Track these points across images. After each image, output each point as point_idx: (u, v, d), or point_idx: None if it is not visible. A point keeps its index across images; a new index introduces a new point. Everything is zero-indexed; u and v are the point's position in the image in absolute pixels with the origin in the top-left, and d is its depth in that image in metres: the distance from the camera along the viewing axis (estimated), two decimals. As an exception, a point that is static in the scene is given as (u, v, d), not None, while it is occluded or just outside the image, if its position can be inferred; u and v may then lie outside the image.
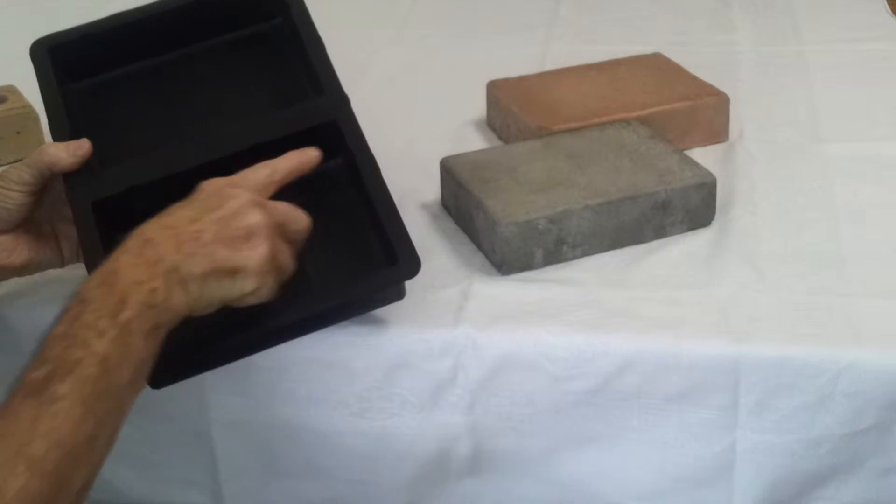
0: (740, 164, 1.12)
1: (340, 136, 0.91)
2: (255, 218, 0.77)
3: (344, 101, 0.93)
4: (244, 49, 1.01)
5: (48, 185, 0.92)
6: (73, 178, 0.90)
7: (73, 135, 0.92)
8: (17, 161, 1.17)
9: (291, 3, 0.99)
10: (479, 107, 1.23)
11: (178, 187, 0.85)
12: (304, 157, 0.86)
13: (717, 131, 1.17)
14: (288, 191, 0.90)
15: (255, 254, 0.76)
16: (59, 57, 0.98)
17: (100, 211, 0.88)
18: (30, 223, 0.92)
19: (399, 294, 0.87)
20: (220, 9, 1.00)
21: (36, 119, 1.18)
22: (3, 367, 0.97)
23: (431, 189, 1.07)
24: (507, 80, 1.21)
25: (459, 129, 1.23)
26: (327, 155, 0.91)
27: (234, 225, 0.77)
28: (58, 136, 0.93)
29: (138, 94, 1.00)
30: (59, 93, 0.96)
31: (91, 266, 0.83)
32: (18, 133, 1.18)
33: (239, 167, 0.87)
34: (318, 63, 0.95)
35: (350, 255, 0.89)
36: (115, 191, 0.89)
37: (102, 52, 0.99)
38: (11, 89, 1.21)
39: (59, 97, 0.96)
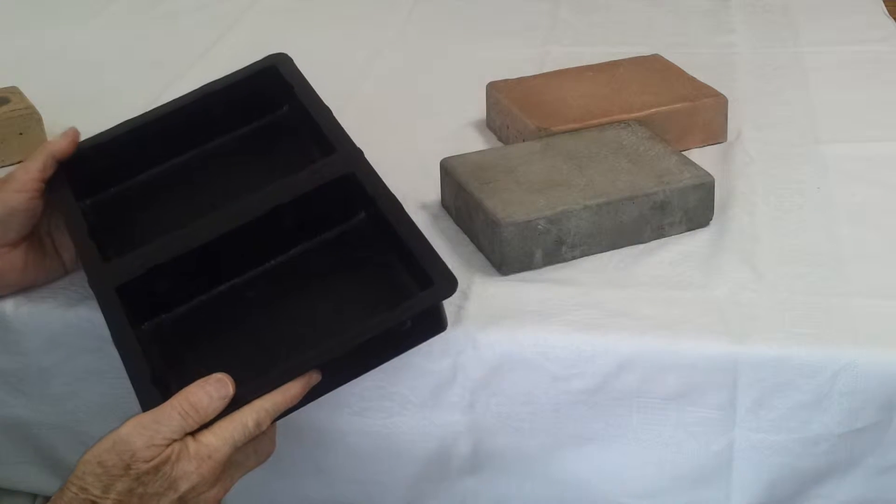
0: (738, 165, 1.12)
1: (360, 187, 0.89)
2: (210, 500, 0.77)
3: (358, 153, 0.91)
4: (256, 141, 1.00)
5: (48, 191, 0.93)
6: (92, 264, 0.89)
7: (100, 248, 0.90)
8: (20, 162, 1.18)
9: (295, 84, 0.97)
10: (478, 108, 1.24)
11: (201, 261, 0.86)
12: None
13: (715, 132, 1.17)
14: (317, 251, 0.90)
15: None
16: (73, 170, 0.95)
17: (123, 295, 0.86)
18: (34, 239, 0.94)
19: (441, 324, 0.85)
20: (227, 104, 0.99)
21: (39, 120, 1.18)
22: (4, 367, 0.98)
23: (431, 189, 1.08)
24: (506, 82, 1.21)
25: (459, 129, 1.23)
26: (350, 212, 0.91)
27: None
28: (84, 252, 0.90)
29: (155, 199, 0.98)
30: (78, 208, 0.94)
31: (123, 352, 0.82)
32: (21, 134, 1.18)
33: (260, 234, 0.87)
34: (326, 128, 0.93)
35: (388, 305, 0.84)
36: (138, 273, 0.87)
37: (113, 161, 0.98)
38: (14, 90, 1.21)
39: (79, 213, 0.94)
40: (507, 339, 0.89)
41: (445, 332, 0.88)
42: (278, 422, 0.82)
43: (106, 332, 0.84)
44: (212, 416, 0.76)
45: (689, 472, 0.91)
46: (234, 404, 0.77)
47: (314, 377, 0.80)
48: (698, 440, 0.90)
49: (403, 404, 0.91)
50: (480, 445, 0.92)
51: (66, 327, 0.94)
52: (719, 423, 0.89)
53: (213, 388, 0.76)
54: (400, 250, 0.86)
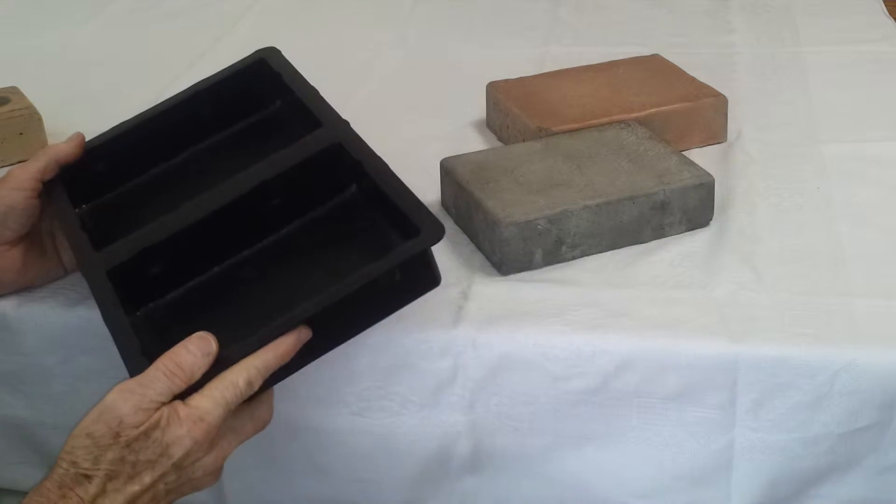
0: (738, 165, 1.12)
1: (348, 156, 0.88)
2: (209, 468, 0.76)
3: (344, 124, 0.91)
4: (252, 137, 1.00)
5: (45, 192, 0.93)
6: (83, 251, 0.88)
7: (97, 250, 0.89)
8: (20, 162, 1.18)
9: (283, 73, 0.97)
10: (479, 108, 1.24)
11: (192, 242, 0.86)
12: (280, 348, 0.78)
13: (715, 132, 1.17)
14: (309, 227, 0.90)
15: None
16: (68, 175, 0.94)
17: (115, 278, 0.85)
18: (33, 239, 0.94)
19: (434, 279, 0.84)
20: (219, 101, 0.99)
21: (39, 120, 1.18)
22: (4, 367, 0.98)
23: (431, 189, 1.07)
24: (506, 82, 1.22)
25: (459, 129, 1.23)
26: (341, 184, 0.90)
27: (185, 478, 0.75)
28: (76, 244, 0.90)
29: (152, 199, 0.97)
30: (72, 208, 0.94)
31: (112, 328, 0.81)
32: (21, 134, 1.18)
33: (250, 211, 0.87)
34: (312, 106, 0.93)
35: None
36: (127, 256, 0.86)
37: (109, 165, 0.97)
38: (14, 90, 1.21)
39: (73, 211, 0.94)
40: (507, 339, 0.89)
41: (445, 331, 0.88)
42: (277, 420, 0.82)
43: (106, 332, 0.83)
44: (198, 376, 0.75)
45: (689, 472, 0.91)
46: (224, 366, 0.76)
47: (304, 333, 0.78)
48: (698, 440, 0.90)
49: (403, 404, 0.91)
50: (480, 445, 0.92)
51: (66, 327, 0.94)
52: (719, 422, 0.89)
53: (195, 346, 0.75)
54: (391, 214, 0.85)
